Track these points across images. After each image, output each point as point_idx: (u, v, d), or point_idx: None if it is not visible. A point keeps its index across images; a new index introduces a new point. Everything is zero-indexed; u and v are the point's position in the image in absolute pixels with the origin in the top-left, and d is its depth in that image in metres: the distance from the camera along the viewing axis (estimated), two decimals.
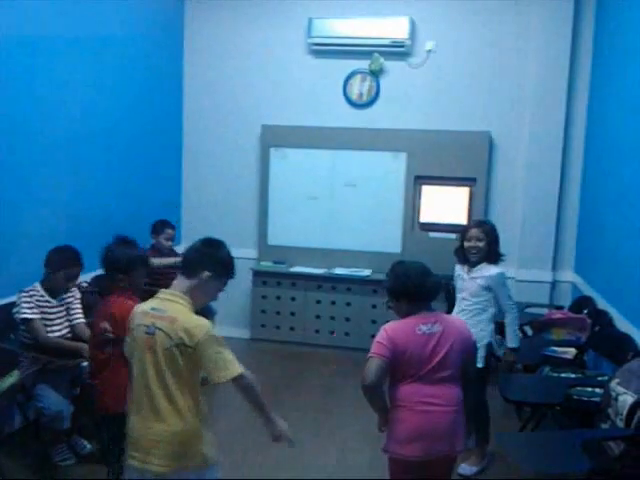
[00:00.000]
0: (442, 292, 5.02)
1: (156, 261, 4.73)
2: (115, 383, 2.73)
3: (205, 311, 5.11)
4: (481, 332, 3.41)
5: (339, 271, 5.61)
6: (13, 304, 3.64)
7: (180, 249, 5.47)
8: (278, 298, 5.73)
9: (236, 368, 2.23)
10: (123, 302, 2.79)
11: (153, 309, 2.26)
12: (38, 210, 3.98)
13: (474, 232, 3.54)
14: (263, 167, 5.78)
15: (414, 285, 2.53)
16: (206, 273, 2.31)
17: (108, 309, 2.83)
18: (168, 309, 2.24)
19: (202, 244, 2.43)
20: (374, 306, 5.54)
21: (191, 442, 2.25)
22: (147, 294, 2.78)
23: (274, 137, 5.73)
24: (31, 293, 3.44)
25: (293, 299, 5.71)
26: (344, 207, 5.67)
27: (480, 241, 3.50)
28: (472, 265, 3.54)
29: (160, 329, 2.20)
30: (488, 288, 3.46)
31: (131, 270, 2.88)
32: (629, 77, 4.08)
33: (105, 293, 3.11)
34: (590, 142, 5.12)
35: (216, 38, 5.82)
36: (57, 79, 4.09)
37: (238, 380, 2.25)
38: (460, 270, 3.63)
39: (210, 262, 2.35)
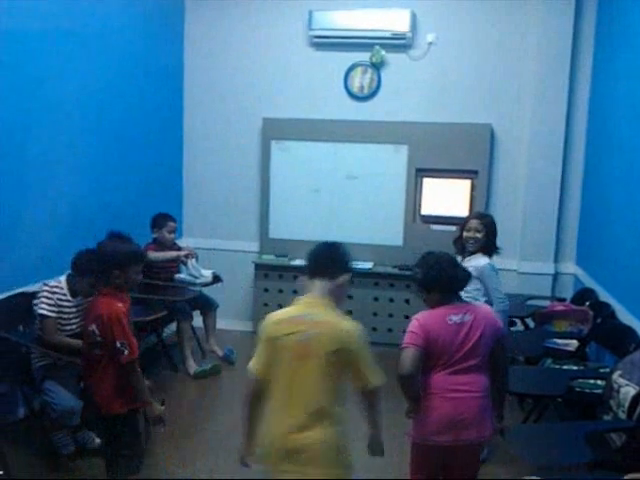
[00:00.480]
0: None
1: (155, 255, 4.73)
2: (104, 385, 2.73)
3: (207, 304, 5.17)
4: None
5: None
6: (19, 295, 3.66)
7: (182, 243, 5.49)
8: (280, 291, 5.74)
9: (380, 378, 2.27)
10: (111, 304, 2.73)
11: (301, 315, 2.26)
12: (38, 204, 3.97)
13: (474, 223, 3.63)
14: (264, 160, 5.78)
15: (447, 276, 2.59)
16: (345, 276, 2.36)
17: (97, 311, 2.75)
18: (320, 313, 2.25)
19: (333, 248, 2.44)
20: (376, 299, 5.54)
21: (344, 449, 2.27)
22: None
23: (275, 130, 5.72)
24: (54, 290, 3.42)
25: (295, 292, 5.71)
26: (345, 200, 5.67)
27: (479, 232, 3.60)
28: (468, 255, 3.63)
29: (318, 334, 2.20)
30: (477, 278, 3.48)
31: (127, 265, 2.77)
32: (631, 69, 4.07)
33: (93, 292, 3.00)
34: (592, 134, 5.11)
35: (217, 31, 5.80)
36: (56, 73, 4.07)
37: (379, 388, 2.27)
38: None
39: (346, 265, 2.41)
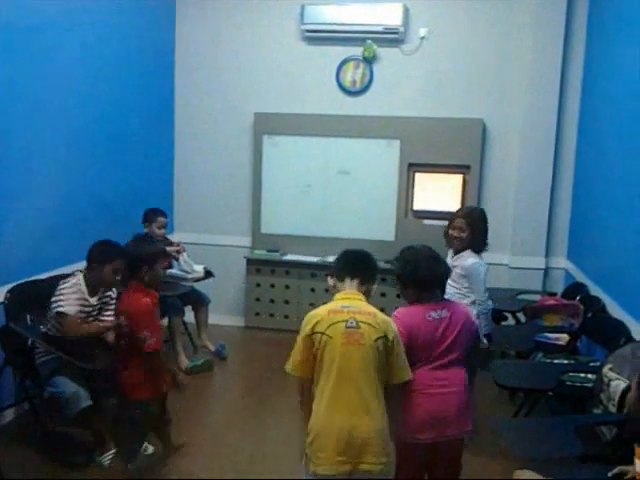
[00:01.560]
0: None
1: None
2: (130, 372, 3.04)
3: (199, 299, 5.16)
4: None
5: (333, 259, 5.59)
6: (24, 285, 3.64)
7: (174, 238, 5.48)
8: (272, 286, 5.73)
9: (410, 372, 2.39)
10: (139, 298, 3.05)
11: (344, 307, 2.32)
12: (28, 199, 3.93)
13: (458, 222, 3.59)
14: (256, 155, 5.76)
15: (424, 273, 2.57)
16: (374, 285, 2.50)
17: (126, 304, 3.11)
18: (361, 305, 2.34)
19: (369, 256, 2.57)
20: None
21: (389, 439, 2.30)
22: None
23: (267, 125, 5.70)
24: (75, 288, 3.32)
25: (287, 287, 5.71)
26: (337, 195, 5.66)
27: (463, 232, 3.56)
28: (455, 252, 3.62)
29: (363, 322, 2.27)
30: (464, 277, 3.52)
31: (154, 262, 3.12)
32: (623, 62, 4.08)
33: (117, 282, 3.35)
34: (583, 129, 5.13)
35: (208, 25, 5.77)
36: (45, 69, 4.03)
37: (406, 383, 2.38)
38: (449, 255, 3.67)
39: (376, 275, 2.54)
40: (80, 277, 3.39)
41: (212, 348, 5.07)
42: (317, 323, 2.30)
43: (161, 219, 4.89)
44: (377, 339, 2.26)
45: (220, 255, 5.81)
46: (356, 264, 2.51)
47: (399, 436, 2.54)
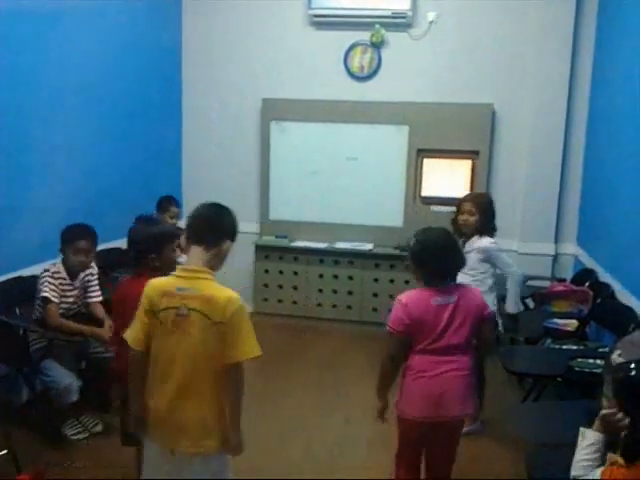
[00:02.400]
0: None
1: None
2: (122, 360, 2.74)
3: None
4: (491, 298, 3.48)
5: (341, 245, 5.62)
6: (17, 279, 3.67)
7: (183, 224, 5.48)
8: (280, 272, 5.75)
9: (258, 348, 2.22)
10: (132, 285, 2.68)
11: (180, 289, 2.18)
12: (37, 188, 3.96)
13: (466, 206, 3.58)
14: (264, 141, 5.75)
15: (441, 264, 2.55)
16: (228, 243, 2.30)
17: (117, 294, 2.81)
18: (198, 287, 2.17)
19: (214, 212, 2.38)
20: (376, 280, 5.55)
21: (219, 425, 2.21)
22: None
23: (274, 111, 5.69)
24: (55, 275, 3.46)
25: (295, 273, 5.73)
26: (346, 181, 5.65)
27: (472, 215, 3.55)
28: (465, 238, 3.59)
29: (194, 310, 2.14)
30: (484, 260, 3.53)
31: (161, 247, 2.75)
32: (634, 45, 4.03)
33: (133, 274, 3.00)
34: (593, 114, 5.08)
35: (215, 11, 5.74)
36: (53, 55, 4.03)
37: (242, 367, 2.22)
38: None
39: (229, 230, 2.33)
40: (59, 265, 3.50)
41: None
42: (157, 300, 2.19)
43: (173, 209, 4.90)
44: (210, 326, 2.12)
45: None
46: (200, 225, 2.30)
47: (399, 415, 2.57)
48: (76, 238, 3.44)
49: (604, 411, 1.96)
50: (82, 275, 3.58)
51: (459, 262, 2.64)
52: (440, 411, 2.50)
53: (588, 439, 1.98)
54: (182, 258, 3.76)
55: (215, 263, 2.27)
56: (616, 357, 2.98)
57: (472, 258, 3.44)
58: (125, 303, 2.56)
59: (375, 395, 2.65)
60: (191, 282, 2.19)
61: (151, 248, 2.72)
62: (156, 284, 2.25)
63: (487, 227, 3.60)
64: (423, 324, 2.49)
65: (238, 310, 2.16)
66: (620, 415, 1.89)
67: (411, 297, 2.53)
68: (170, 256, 2.78)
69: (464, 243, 3.56)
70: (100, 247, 4.44)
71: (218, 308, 2.13)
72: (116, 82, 4.77)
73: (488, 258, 3.54)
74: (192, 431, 2.18)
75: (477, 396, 2.70)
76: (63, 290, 3.48)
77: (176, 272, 2.25)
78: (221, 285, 2.21)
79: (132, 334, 2.23)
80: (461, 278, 3.28)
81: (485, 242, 3.54)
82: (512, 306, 3.68)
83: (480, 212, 3.56)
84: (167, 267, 2.75)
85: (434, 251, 2.55)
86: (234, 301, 2.16)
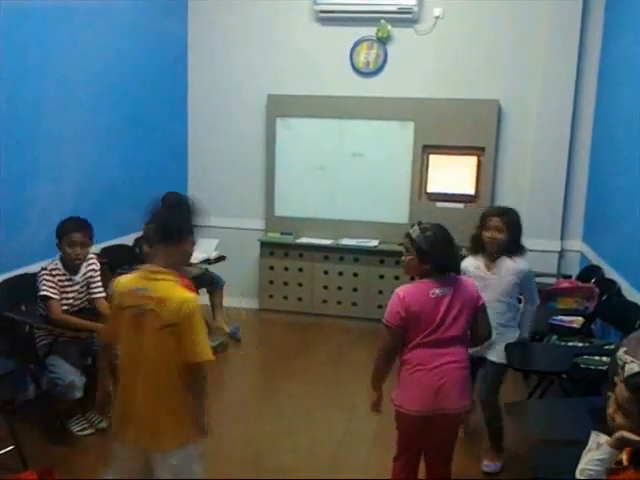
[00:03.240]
0: None
1: None
2: None
3: (213, 282, 5.19)
4: (512, 329, 3.26)
5: (346, 242, 5.61)
6: (23, 276, 3.68)
7: None
8: (286, 269, 5.75)
9: (209, 352, 2.20)
10: None
11: (139, 289, 2.19)
12: (44, 185, 3.98)
13: (494, 221, 3.21)
14: (269, 137, 5.75)
15: (450, 259, 2.60)
16: (191, 239, 2.26)
17: None
18: (155, 288, 2.16)
19: (176, 208, 2.32)
20: (381, 276, 5.55)
21: (177, 422, 2.23)
22: None
23: (280, 107, 5.68)
24: (54, 272, 3.46)
25: (301, 270, 5.73)
26: (351, 177, 5.64)
27: (500, 232, 3.19)
28: (490, 259, 3.23)
29: (151, 310, 2.15)
30: (518, 284, 3.21)
31: (188, 235, 2.53)
32: None
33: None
34: (600, 110, 5.05)
35: (221, 6, 5.73)
36: (62, 52, 4.04)
37: (204, 366, 2.22)
38: (473, 266, 3.26)
39: (190, 226, 2.28)
40: (57, 262, 3.50)
41: (227, 330, 5.12)
42: (120, 299, 2.24)
43: None
44: (164, 327, 2.13)
45: (234, 238, 5.82)
46: (159, 224, 2.25)
47: (397, 409, 2.57)
48: (70, 231, 3.44)
49: (625, 434, 1.86)
50: (84, 271, 3.58)
51: (459, 257, 2.70)
52: (438, 403, 2.50)
53: (602, 452, 1.91)
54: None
55: (178, 260, 2.26)
56: (622, 354, 2.98)
57: (508, 282, 3.18)
58: None
59: (370, 388, 2.67)
60: (149, 283, 2.20)
61: (174, 236, 2.58)
62: (123, 281, 2.28)
63: (516, 247, 3.23)
64: (420, 317, 2.49)
65: (191, 312, 2.15)
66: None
67: (408, 290, 2.53)
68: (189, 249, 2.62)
69: (489, 267, 3.24)
70: (106, 244, 4.48)
71: (171, 310, 2.13)
72: (122, 79, 4.78)
73: (523, 282, 3.21)
74: (151, 428, 2.22)
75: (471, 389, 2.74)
76: (63, 286, 3.48)
77: (139, 271, 2.26)
78: (177, 288, 2.20)
79: (105, 327, 2.33)
80: (496, 306, 3.14)
81: (524, 264, 3.21)
82: (526, 329, 3.33)
83: (510, 230, 3.19)
84: (184, 258, 2.59)
85: (443, 245, 2.57)
86: (188, 303, 2.15)
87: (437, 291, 2.52)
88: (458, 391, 2.53)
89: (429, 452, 2.67)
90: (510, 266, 3.18)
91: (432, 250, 2.54)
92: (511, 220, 3.22)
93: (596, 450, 1.95)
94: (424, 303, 2.50)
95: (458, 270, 2.68)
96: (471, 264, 3.25)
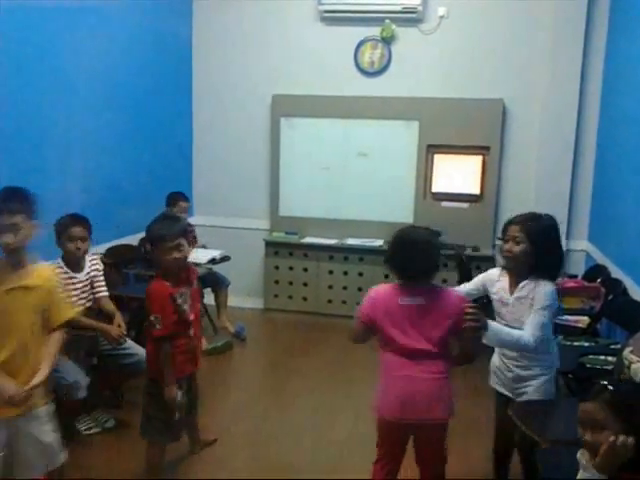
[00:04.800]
0: (454, 262, 5.04)
1: None
2: (148, 351, 2.97)
3: (218, 281, 5.20)
4: (535, 368, 2.70)
5: (351, 241, 5.61)
6: None
7: (193, 221, 5.51)
8: (291, 269, 5.76)
9: (73, 310, 2.51)
10: (153, 283, 2.89)
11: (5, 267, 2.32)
12: (49, 183, 3.98)
13: (512, 230, 2.64)
14: (274, 137, 5.75)
15: (409, 266, 2.42)
16: (26, 226, 2.32)
17: (147, 289, 2.94)
18: (18, 263, 2.32)
19: (15, 192, 2.37)
20: (386, 276, 5.53)
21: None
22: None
23: (285, 107, 5.69)
24: (56, 271, 3.46)
25: (305, 270, 5.74)
26: (356, 177, 5.65)
27: (517, 244, 2.60)
28: (514, 278, 2.68)
29: (20, 287, 2.30)
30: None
31: (155, 248, 2.87)
32: None
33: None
34: (605, 109, 5.04)
35: (226, 7, 5.74)
36: (66, 53, 4.06)
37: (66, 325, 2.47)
38: (496, 284, 2.76)
39: (29, 211, 2.35)
40: (60, 261, 3.51)
41: (232, 329, 5.13)
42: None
43: (182, 203, 4.92)
44: (37, 303, 2.34)
45: (239, 238, 5.84)
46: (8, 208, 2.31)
47: (377, 414, 2.54)
48: (68, 226, 3.45)
49: (610, 442, 1.75)
50: (87, 270, 3.58)
51: (431, 265, 2.44)
52: (407, 413, 2.41)
53: (591, 475, 1.84)
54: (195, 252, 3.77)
55: (26, 239, 2.34)
56: (628, 353, 2.97)
57: (522, 307, 2.63)
58: (148, 305, 2.83)
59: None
60: (12, 259, 2.33)
61: (151, 246, 2.91)
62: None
63: (542, 265, 2.59)
64: (385, 322, 2.41)
65: (53, 279, 2.45)
66: (622, 438, 1.75)
67: (379, 292, 2.47)
68: (163, 256, 2.81)
69: (512, 289, 2.67)
70: (111, 243, 4.49)
71: (37, 286, 2.34)
72: (127, 78, 4.80)
73: (537, 303, 2.59)
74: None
75: (450, 403, 2.48)
76: (66, 285, 3.47)
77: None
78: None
79: None
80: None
81: (549, 287, 2.59)
82: (494, 336, 2.57)
83: (532, 242, 2.58)
84: (166, 265, 2.84)
85: (404, 251, 2.43)
86: (48, 271, 2.43)
87: (407, 299, 2.40)
88: (428, 402, 2.40)
89: (417, 463, 2.60)
90: (535, 287, 2.60)
91: (393, 257, 2.46)
92: (534, 229, 2.59)
93: (584, 472, 1.92)
94: (391, 309, 2.41)
95: (427, 277, 2.45)
96: (492, 278, 2.79)
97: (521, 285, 2.64)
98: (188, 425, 3.18)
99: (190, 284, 2.95)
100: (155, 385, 2.88)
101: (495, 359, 2.88)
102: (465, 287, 2.92)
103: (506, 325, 2.64)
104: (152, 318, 2.81)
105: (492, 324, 2.54)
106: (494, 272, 2.82)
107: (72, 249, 3.47)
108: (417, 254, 2.42)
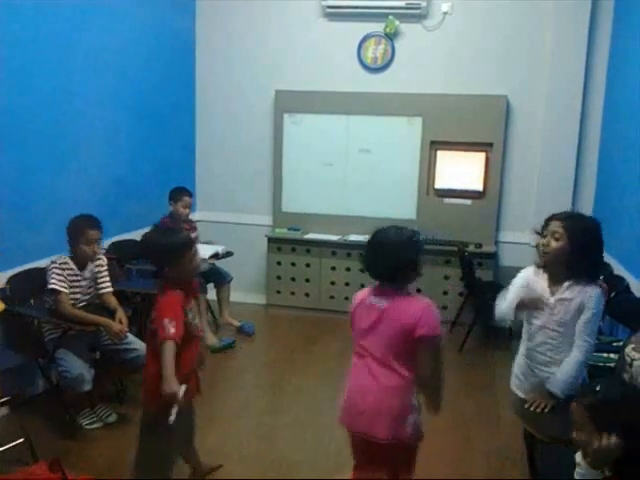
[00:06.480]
0: (457, 258, 5.03)
1: None
2: (150, 370, 2.61)
3: (221, 277, 5.20)
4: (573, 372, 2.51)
5: (354, 237, 5.61)
6: (32, 270, 3.71)
7: (196, 216, 5.52)
8: (293, 265, 5.76)
9: None
10: (164, 293, 2.61)
11: None
12: (54, 178, 4.00)
13: (553, 226, 2.53)
14: (277, 133, 5.75)
15: (373, 263, 2.34)
16: None
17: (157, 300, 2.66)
18: None
19: None
20: None
21: None
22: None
23: (288, 102, 5.68)
24: (63, 266, 3.49)
25: (308, 265, 5.74)
26: (359, 173, 5.64)
27: (557, 240, 2.49)
28: (553, 276, 2.57)
29: None
30: (581, 310, 2.49)
31: (179, 258, 2.58)
32: None
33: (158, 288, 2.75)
34: (609, 105, 5.02)
35: (229, 2, 5.73)
36: (69, 43, 4.06)
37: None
38: (535, 284, 2.62)
39: None
40: (68, 258, 3.53)
41: (237, 324, 5.14)
42: None
43: (186, 198, 4.92)
44: None
45: (241, 233, 5.85)
46: None
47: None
48: (88, 228, 3.47)
49: (597, 444, 1.80)
50: (91, 266, 3.60)
51: (398, 266, 2.27)
52: (353, 422, 2.34)
53: (586, 473, 1.89)
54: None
55: None
56: (630, 351, 2.96)
57: (572, 310, 2.50)
58: (160, 311, 2.53)
59: None
60: None
61: (166, 260, 2.60)
62: None
63: (583, 265, 2.48)
64: (354, 320, 2.39)
65: None
66: (605, 440, 1.78)
67: (359, 293, 2.44)
68: (188, 266, 2.62)
69: (553, 290, 2.55)
70: (114, 238, 4.50)
71: None
72: (130, 74, 4.80)
73: (584, 308, 2.48)
74: None
75: (404, 424, 2.28)
76: (72, 281, 3.51)
77: None
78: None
79: None
80: (552, 335, 2.56)
81: (594, 290, 2.49)
82: (561, 383, 2.48)
83: (571, 239, 2.47)
84: (186, 276, 2.63)
85: (371, 250, 2.35)
86: None
87: (373, 299, 2.33)
88: (371, 417, 2.26)
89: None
90: (577, 288, 2.50)
91: (363, 256, 2.40)
92: (576, 227, 2.49)
93: (580, 468, 1.94)
94: (361, 307, 2.37)
95: (392, 278, 2.31)
96: (532, 278, 2.65)
97: (565, 285, 2.52)
98: (187, 455, 2.92)
99: (196, 298, 2.75)
100: (152, 416, 2.58)
101: (520, 362, 2.70)
102: (509, 300, 2.64)
103: (542, 327, 2.53)
104: (166, 321, 2.48)
105: (557, 387, 2.47)
106: (530, 271, 2.68)
107: (89, 252, 3.50)
108: (383, 254, 2.30)
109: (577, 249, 2.47)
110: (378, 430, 2.26)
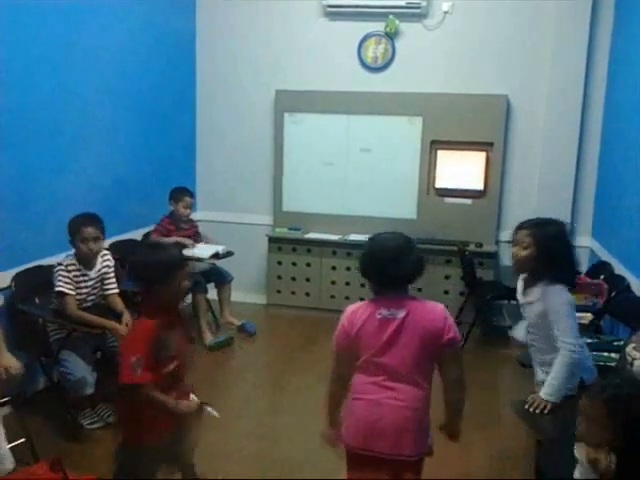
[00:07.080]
0: (458, 257, 5.03)
1: (159, 239, 4.66)
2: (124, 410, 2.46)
3: (221, 276, 5.20)
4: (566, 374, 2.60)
5: (354, 237, 5.61)
6: (36, 268, 3.71)
7: (196, 216, 5.52)
8: (294, 264, 5.76)
9: None
10: (139, 321, 2.46)
11: None
12: (55, 177, 4.00)
13: (520, 235, 2.69)
14: (277, 133, 5.75)
15: (380, 271, 2.22)
16: None
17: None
18: None
19: None
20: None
21: None
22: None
23: (288, 102, 5.68)
24: (69, 267, 3.49)
25: (308, 265, 5.74)
26: (359, 173, 5.64)
27: (525, 249, 2.65)
28: (527, 285, 2.74)
29: None
30: (546, 312, 2.63)
31: (169, 276, 2.32)
32: None
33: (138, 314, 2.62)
34: (610, 105, 5.02)
35: (229, 1, 5.73)
36: (68, 42, 4.07)
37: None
38: (520, 289, 2.83)
39: None
40: (72, 257, 3.53)
41: (237, 323, 5.14)
42: None
43: (187, 199, 4.92)
44: None
45: (242, 233, 5.85)
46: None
47: (342, 443, 2.28)
48: (81, 226, 3.46)
49: (591, 457, 1.83)
50: (98, 267, 3.61)
51: (408, 270, 2.22)
52: (371, 443, 2.15)
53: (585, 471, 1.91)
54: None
55: None
56: (631, 350, 2.97)
57: (534, 313, 2.69)
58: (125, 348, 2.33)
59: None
60: None
61: (154, 279, 2.30)
62: None
63: (552, 270, 2.61)
64: (363, 339, 2.18)
65: None
66: (603, 457, 1.81)
67: (355, 310, 2.24)
68: (176, 288, 2.34)
69: (525, 292, 2.76)
70: (116, 238, 4.50)
71: None
72: (130, 73, 4.80)
73: (549, 313, 2.62)
74: None
75: (427, 438, 2.23)
76: (78, 282, 3.52)
77: None
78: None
79: None
80: (532, 338, 2.76)
81: (554, 292, 2.61)
82: (550, 389, 2.59)
83: (539, 247, 2.62)
84: (171, 301, 2.38)
85: (377, 258, 2.24)
86: None
87: (384, 312, 2.17)
88: (396, 434, 2.13)
89: None
90: (541, 291, 2.65)
91: (366, 265, 2.26)
92: (542, 235, 2.62)
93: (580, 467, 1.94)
94: (367, 324, 2.18)
95: (403, 282, 2.26)
96: (521, 283, 2.82)
97: (529, 290, 2.72)
98: (184, 469, 2.66)
99: (180, 326, 2.44)
100: (128, 451, 2.40)
101: (538, 373, 2.81)
102: (524, 327, 2.84)
103: (527, 330, 2.72)
104: (132, 360, 2.21)
105: (545, 393, 2.59)
106: (519, 284, 2.86)
107: (85, 250, 3.49)
108: (392, 259, 2.21)
109: (545, 255, 2.62)
110: (405, 448, 2.15)
